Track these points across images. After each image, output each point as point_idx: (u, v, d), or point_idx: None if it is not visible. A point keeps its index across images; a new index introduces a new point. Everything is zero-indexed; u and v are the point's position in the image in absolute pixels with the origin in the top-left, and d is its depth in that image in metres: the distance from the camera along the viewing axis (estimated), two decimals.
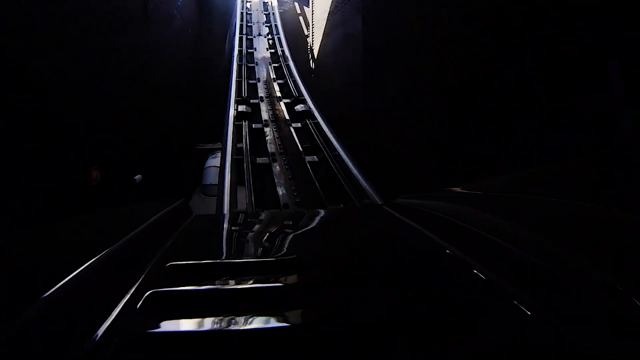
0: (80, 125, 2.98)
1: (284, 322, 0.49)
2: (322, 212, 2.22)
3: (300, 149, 5.34)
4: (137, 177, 4.19)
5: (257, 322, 0.48)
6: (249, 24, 10.00)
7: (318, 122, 6.01)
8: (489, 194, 0.91)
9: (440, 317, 0.50)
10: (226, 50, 9.04)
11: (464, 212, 0.78)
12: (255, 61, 8.42)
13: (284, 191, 4.41)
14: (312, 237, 1.03)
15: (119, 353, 0.42)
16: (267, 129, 5.97)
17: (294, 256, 0.78)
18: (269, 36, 9.58)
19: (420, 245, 0.79)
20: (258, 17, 10.51)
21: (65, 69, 2.77)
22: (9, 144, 2.16)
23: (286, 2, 11.08)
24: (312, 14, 8.55)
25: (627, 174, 0.71)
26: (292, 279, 0.62)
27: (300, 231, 1.09)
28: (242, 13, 10.16)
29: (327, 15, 7.37)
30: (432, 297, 0.56)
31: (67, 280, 0.48)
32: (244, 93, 7.01)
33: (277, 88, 7.44)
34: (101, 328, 0.44)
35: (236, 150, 5.15)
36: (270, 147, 5.43)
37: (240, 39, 9.03)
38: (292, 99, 6.88)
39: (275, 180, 4.62)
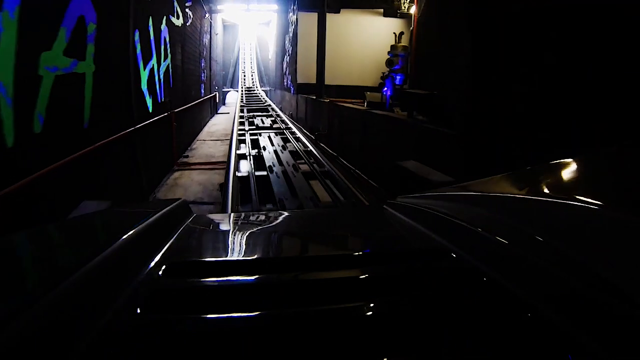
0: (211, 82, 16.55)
1: (286, 321, 0.48)
2: (322, 212, 2.48)
3: (254, 84, 20.03)
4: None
5: (258, 320, 0.48)
6: (244, 49, 24.72)
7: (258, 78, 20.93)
8: (489, 194, 0.89)
9: (443, 318, 0.50)
10: (234, 57, 23.31)
11: (465, 212, 0.77)
12: (244, 59, 23.24)
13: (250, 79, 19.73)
14: (312, 236, 1.04)
15: (115, 353, 0.43)
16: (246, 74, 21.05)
17: (294, 256, 0.79)
18: (251, 50, 24.14)
19: (422, 245, 0.79)
20: (248, 42, 25.01)
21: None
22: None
23: (261, 35, 25.26)
24: (269, 48, 22.89)
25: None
26: (292, 278, 0.63)
27: (300, 231, 1.11)
28: (240, 45, 24.76)
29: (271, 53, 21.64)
30: (432, 296, 0.56)
31: (65, 282, 0.47)
32: (244, 66, 21.88)
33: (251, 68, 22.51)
34: (98, 329, 0.44)
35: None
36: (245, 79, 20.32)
37: (240, 52, 23.61)
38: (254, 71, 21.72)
39: (251, 97, 19.13)
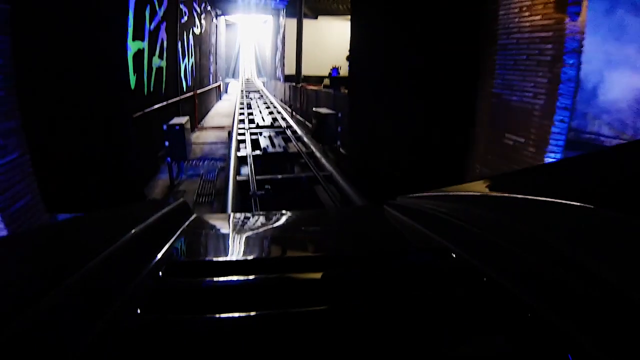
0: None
1: (287, 321, 0.48)
2: (322, 212, 2.52)
3: (252, 75, 23.54)
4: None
5: (258, 319, 0.48)
6: (244, 45, 27.98)
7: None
8: (489, 194, 0.89)
9: (443, 318, 0.50)
10: (235, 52, 26.62)
11: (465, 212, 0.78)
12: (244, 54, 26.88)
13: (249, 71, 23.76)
14: (312, 236, 1.04)
15: (115, 352, 0.43)
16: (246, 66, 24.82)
17: (294, 256, 0.80)
18: (251, 46, 27.53)
19: (422, 245, 0.80)
20: (248, 39, 28.33)
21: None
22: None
23: (259, 33, 28.56)
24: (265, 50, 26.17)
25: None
26: (291, 278, 0.63)
27: (300, 231, 1.12)
28: (240, 41, 28.03)
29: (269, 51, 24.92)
30: (432, 296, 0.55)
31: (65, 282, 0.48)
32: (244, 60, 25.85)
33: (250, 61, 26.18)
34: (98, 328, 0.44)
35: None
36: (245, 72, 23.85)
37: (240, 47, 26.95)
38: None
39: (249, 85, 22.59)
